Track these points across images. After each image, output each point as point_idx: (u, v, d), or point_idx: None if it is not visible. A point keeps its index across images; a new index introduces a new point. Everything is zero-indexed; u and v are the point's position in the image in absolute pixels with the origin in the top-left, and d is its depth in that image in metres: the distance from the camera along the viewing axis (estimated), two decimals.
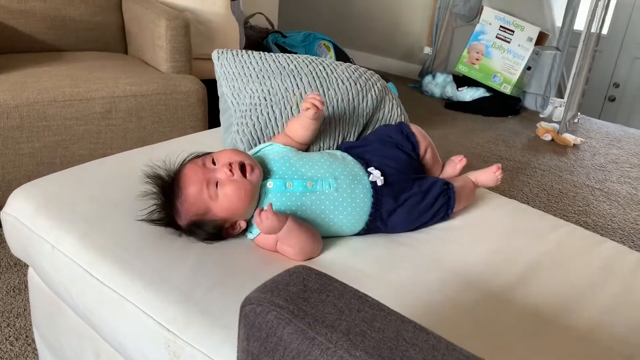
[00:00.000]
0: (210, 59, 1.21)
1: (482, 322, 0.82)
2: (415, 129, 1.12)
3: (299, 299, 0.47)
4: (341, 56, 2.95)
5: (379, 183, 0.99)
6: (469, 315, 0.83)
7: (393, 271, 0.91)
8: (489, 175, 1.16)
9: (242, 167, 0.91)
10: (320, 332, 0.44)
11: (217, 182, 0.90)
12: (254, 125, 1.07)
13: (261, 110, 1.07)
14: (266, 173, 0.96)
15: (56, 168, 1.69)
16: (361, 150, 1.07)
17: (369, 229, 0.99)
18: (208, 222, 0.91)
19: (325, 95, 1.10)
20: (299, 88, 1.10)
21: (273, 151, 1.01)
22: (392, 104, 1.19)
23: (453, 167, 1.18)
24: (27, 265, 1.29)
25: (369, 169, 1.00)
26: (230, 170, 0.90)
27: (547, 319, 0.85)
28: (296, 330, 0.44)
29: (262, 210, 0.87)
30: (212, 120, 1.96)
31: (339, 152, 1.05)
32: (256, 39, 2.89)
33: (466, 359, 0.42)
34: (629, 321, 0.87)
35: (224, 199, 0.90)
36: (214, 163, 0.93)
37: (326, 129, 1.10)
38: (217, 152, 0.95)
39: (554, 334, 0.82)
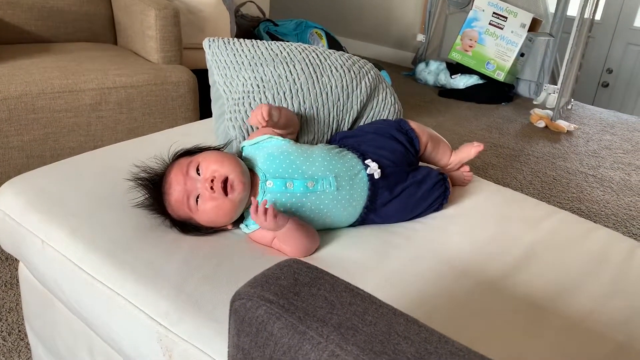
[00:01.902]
0: (201, 48, 1.19)
1: (477, 311, 0.82)
2: (414, 124, 1.11)
3: (289, 293, 0.46)
4: (333, 44, 2.93)
5: (376, 176, 0.98)
6: (463, 304, 0.83)
7: (387, 261, 0.90)
8: (466, 148, 1.15)
9: (226, 182, 0.88)
10: (311, 326, 0.43)
11: (198, 195, 0.89)
12: (246, 111, 1.05)
13: (254, 97, 1.06)
14: (265, 170, 0.93)
15: (46, 161, 1.67)
16: (357, 141, 1.05)
17: (363, 220, 0.99)
18: (192, 226, 0.92)
19: (318, 82, 1.09)
20: (292, 75, 1.08)
21: (272, 145, 0.98)
22: (386, 92, 1.18)
23: (468, 150, 1.14)
24: (18, 260, 1.28)
25: (366, 161, 0.99)
26: (212, 188, 0.87)
27: (541, 306, 0.85)
28: (287, 325, 0.44)
29: (262, 207, 0.85)
30: (204, 110, 1.94)
31: (335, 146, 1.03)
32: (247, 28, 2.86)
33: (458, 352, 0.42)
34: (622, 308, 0.87)
35: (204, 214, 0.89)
36: (198, 171, 0.90)
37: (320, 116, 1.09)
38: (203, 157, 0.91)
39: (548, 322, 0.82)
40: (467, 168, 1.17)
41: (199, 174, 0.90)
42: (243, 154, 1.00)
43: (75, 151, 1.69)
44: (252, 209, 0.86)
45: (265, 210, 0.85)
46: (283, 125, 1.01)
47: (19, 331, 1.33)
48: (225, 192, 0.88)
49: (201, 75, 1.93)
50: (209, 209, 0.89)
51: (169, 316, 0.77)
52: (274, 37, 2.80)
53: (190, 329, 0.76)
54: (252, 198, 0.89)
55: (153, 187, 0.93)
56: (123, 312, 0.82)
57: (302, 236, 0.89)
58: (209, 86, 1.19)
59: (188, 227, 0.92)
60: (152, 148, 1.11)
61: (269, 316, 0.45)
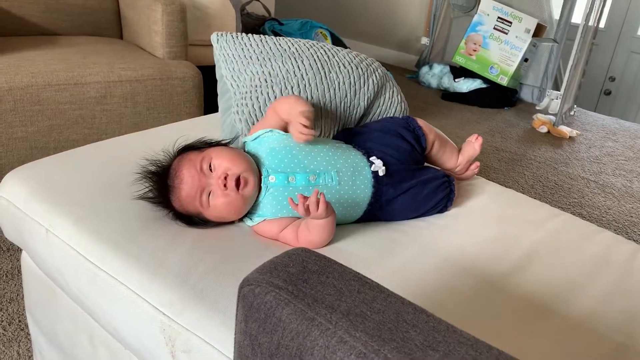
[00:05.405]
0: (207, 45, 1.20)
1: (478, 309, 0.82)
2: (421, 122, 1.11)
3: (298, 280, 0.46)
4: (338, 45, 2.93)
5: (381, 173, 0.98)
6: (465, 302, 0.83)
7: (390, 257, 0.90)
8: (469, 146, 1.17)
9: (238, 179, 0.89)
10: (319, 312, 0.43)
11: (210, 191, 0.89)
12: (253, 105, 1.06)
13: (261, 91, 1.06)
14: (267, 165, 0.94)
15: (50, 152, 1.67)
16: (363, 138, 1.06)
17: (367, 217, 0.99)
18: (199, 220, 0.92)
19: (326, 78, 1.09)
20: (300, 70, 1.08)
21: (274, 139, 0.98)
22: (393, 91, 1.18)
23: (472, 147, 1.16)
24: (20, 250, 1.28)
25: (370, 159, 0.99)
26: (225, 185, 0.88)
27: (542, 306, 0.85)
28: (295, 310, 0.44)
29: (322, 198, 0.85)
30: (207, 106, 1.95)
31: (339, 142, 1.03)
32: (253, 26, 2.86)
33: (467, 341, 0.42)
34: (623, 309, 0.87)
35: (215, 210, 0.90)
36: (210, 167, 0.90)
37: (327, 112, 1.09)
38: (215, 154, 0.91)
39: (550, 322, 0.82)
40: (474, 164, 1.18)
41: (210, 170, 0.90)
42: (246, 149, 1.00)
43: (79, 143, 1.70)
44: (300, 204, 0.85)
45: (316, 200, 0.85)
46: None
47: (19, 321, 1.33)
48: (238, 190, 0.89)
49: (206, 72, 1.94)
50: (220, 206, 0.89)
51: (172, 306, 0.77)
52: (279, 37, 2.80)
53: (193, 319, 0.76)
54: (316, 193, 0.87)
55: (159, 181, 0.93)
56: (126, 301, 0.82)
57: (331, 226, 0.90)
58: (213, 83, 1.19)
59: (194, 221, 0.92)
60: (157, 141, 1.11)
61: (278, 302, 0.45)
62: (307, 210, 0.85)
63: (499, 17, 3.31)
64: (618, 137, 3.05)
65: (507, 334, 0.78)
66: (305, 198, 0.85)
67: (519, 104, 3.43)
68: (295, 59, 1.09)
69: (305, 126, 0.93)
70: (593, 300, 0.88)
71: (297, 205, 0.85)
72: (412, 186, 1.01)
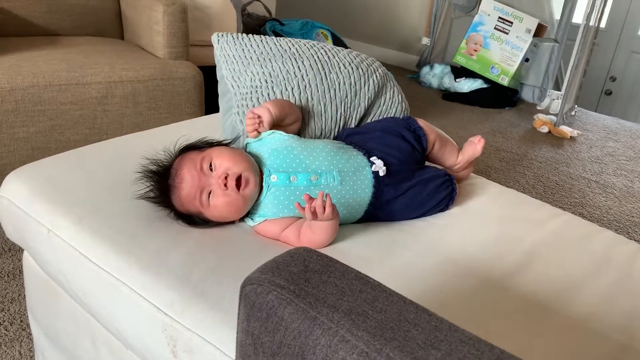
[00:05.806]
0: (207, 45, 1.20)
1: (479, 309, 0.82)
2: (422, 122, 1.11)
3: (300, 280, 0.47)
4: (339, 45, 2.93)
5: (381, 173, 0.98)
6: (466, 302, 0.83)
7: (391, 257, 0.90)
8: (471, 147, 1.16)
9: (239, 178, 0.89)
10: (321, 312, 0.43)
11: (211, 191, 0.90)
12: (253, 106, 1.06)
13: (262, 92, 1.06)
14: (269, 165, 0.94)
15: (51, 153, 1.67)
16: (363, 138, 1.06)
17: (368, 217, 0.99)
18: (200, 220, 0.92)
19: (326, 79, 1.09)
20: (300, 71, 1.08)
21: (275, 140, 0.98)
22: (394, 91, 1.18)
23: (474, 148, 1.15)
24: (22, 251, 1.29)
25: (371, 159, 0.99)
26: (226, 185, 0.88)
27: (544, 306, 0.85)
28: (297, 310, 0.44)
29: (328, 201, 0.85)
30: (208, 107, 1.95)
31: (340, 142, 1.03)
32: (253, 27, 2.87)
33: (468, 340, 0.42)
34: (625, 309, 0.87)
35: (215, 209, 0.90)
36: (211, 166, 0.90)
37: (328, 112, 1.09)
38: (216, 153, 0.92)
39: (551, 321, 0.82)
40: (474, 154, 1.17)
41: (211, 170, 0.90)
42: (247, 150, 1.01)
43: (80, 144, 1.70)
44: (307, 207, 0.85)
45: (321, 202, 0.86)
46: (280, 116, 1.00)
47: (21, 321, 1.33)
48: (238, 189, 0.89)
49: (206, 72, 1.94)
50: (220, 205, 0.89)
51: (174, 306, 0.78)
52: (279, 37, 2.81)
53: (195, 319, 0.76)
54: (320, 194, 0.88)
55: (161, 180, 0.93)
56: (128, 301, 0.82)
57: (334, 228, 0.90)
58: (213, 83, 1.19)
59: (195, 220, 0.92)
60: (159, 141, 1.11)
61: (280, 301, 0.45)
62: (313, 213, 0.85)
63: (499, 17, 3.31)
64: (619, 137, 3.05)
65: (508, 333, 0.78)
66: (312, 199, 0.85)
67: (519, 104, 3.43)
68: (295, 59, 1.10)
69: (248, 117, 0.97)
70: (594, 300, 0.88)
71: (303, 208, 0.86)
72: (412, 186, 1.01)
